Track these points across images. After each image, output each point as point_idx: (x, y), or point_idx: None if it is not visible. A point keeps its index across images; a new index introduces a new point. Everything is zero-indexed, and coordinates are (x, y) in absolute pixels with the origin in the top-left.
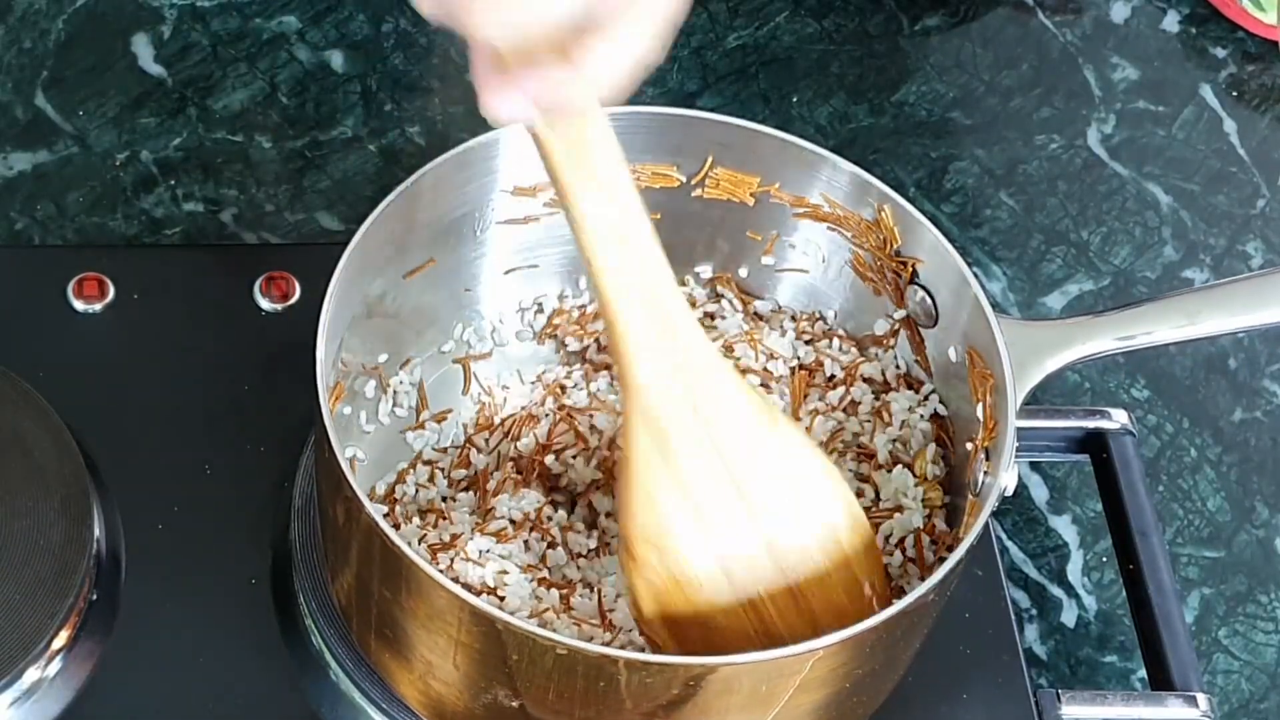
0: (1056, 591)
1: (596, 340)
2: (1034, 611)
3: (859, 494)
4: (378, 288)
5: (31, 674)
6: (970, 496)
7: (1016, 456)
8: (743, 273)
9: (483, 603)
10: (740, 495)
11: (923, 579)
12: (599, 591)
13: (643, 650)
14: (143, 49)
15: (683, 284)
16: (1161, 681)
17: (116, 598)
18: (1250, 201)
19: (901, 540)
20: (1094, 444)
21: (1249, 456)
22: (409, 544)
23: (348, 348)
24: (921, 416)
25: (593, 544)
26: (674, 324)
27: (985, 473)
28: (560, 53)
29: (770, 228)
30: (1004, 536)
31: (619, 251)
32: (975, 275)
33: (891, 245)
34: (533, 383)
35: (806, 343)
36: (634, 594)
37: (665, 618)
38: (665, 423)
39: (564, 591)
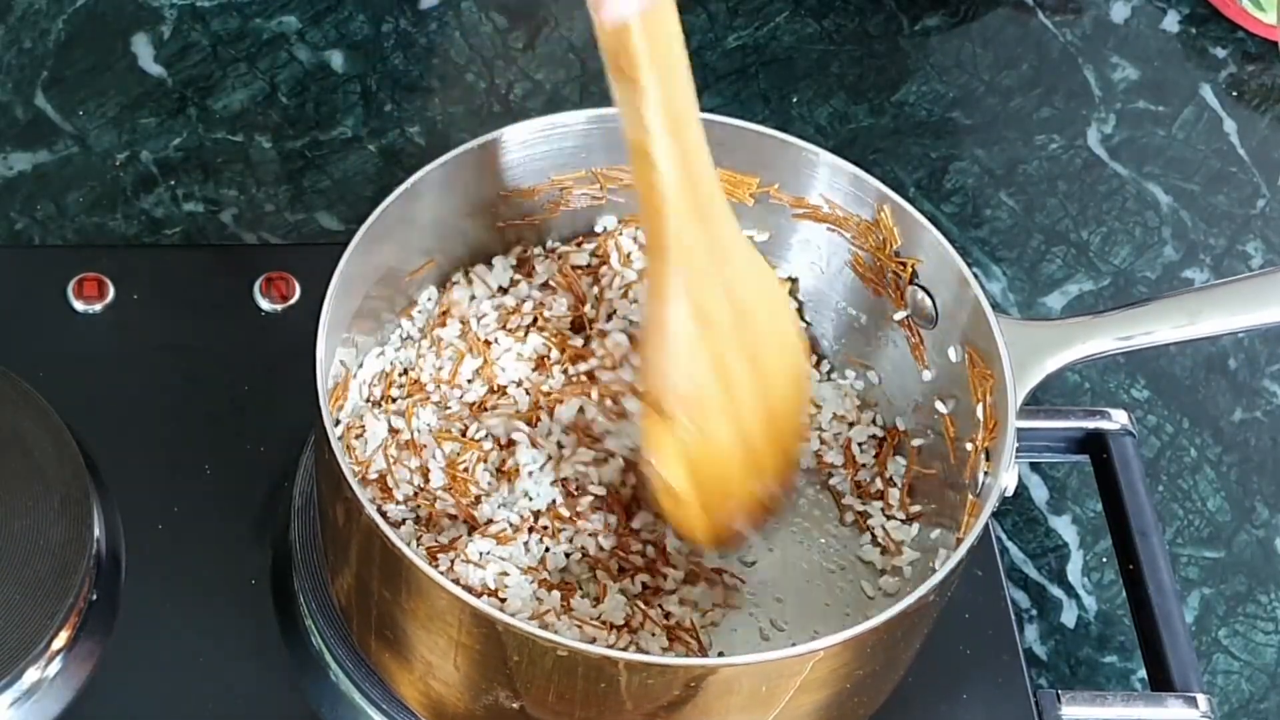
0: (1056, 591)
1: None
2: (1034, 611)
3: None
4: (378, 288)
5: (31, 674)
6: (970, 497)
7: (1017, 457)
8: None
9: (483, 604)
10: (741, 341)
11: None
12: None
13: (644, 650)
14: (143, 49)
15: None
16: (1161, 682)
17: (116, 598)
18: (1250, 201)
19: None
20: (1094, 444)
21: (1249, 456)
22: (409, 545)
23: (347, 347)
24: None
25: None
26: (704, 192)
27: (985, 473)
28: None
29: (770, 228)
30: (1004, 537)
31: (670, 138)
32: (975, 275)
33: (891, 245)
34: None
35: None
36: (662, 455)
37: (689, 474)
38: (696, 289)
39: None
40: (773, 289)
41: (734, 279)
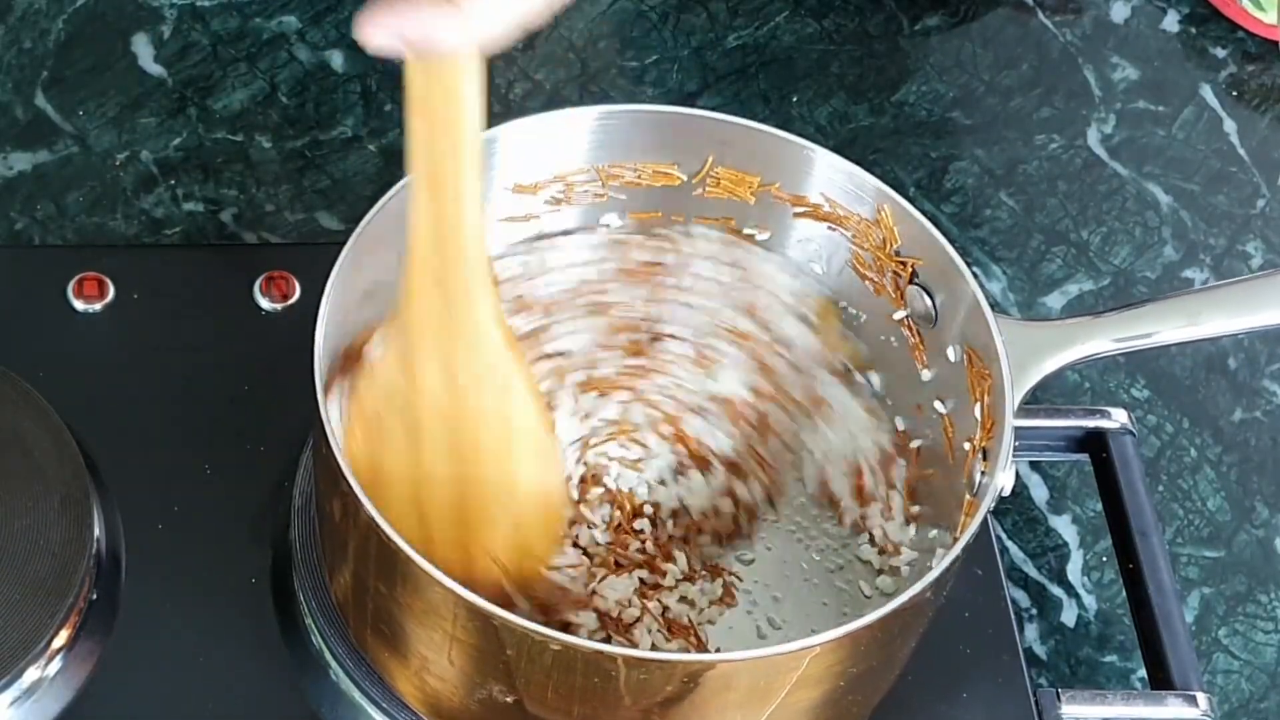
0: (1056, 591)
1: None
2: (1034, 611)
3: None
4: (377, 287)
5: (31, 674)
6: (968, 496)
7: (1016, 456)
8: None
9: (478, 598)
10: (447, 422)
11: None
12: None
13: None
14: (143, 49)
15: None
16: (1161, 681)
17: (116, 598)
18: (1250, 201)
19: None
20: (1094, 444)
21: (1249, 456)
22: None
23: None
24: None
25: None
26: (454, 267)
27: (982, 473)
28: None
29: (770, 227)
30: (1004, 536)
31: (427, 192)
32: (975, 275)
33: (891, 245)
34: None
35: None
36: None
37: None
38: (414, 349)
39: None
40: (515, 405)
41: (463, 363)
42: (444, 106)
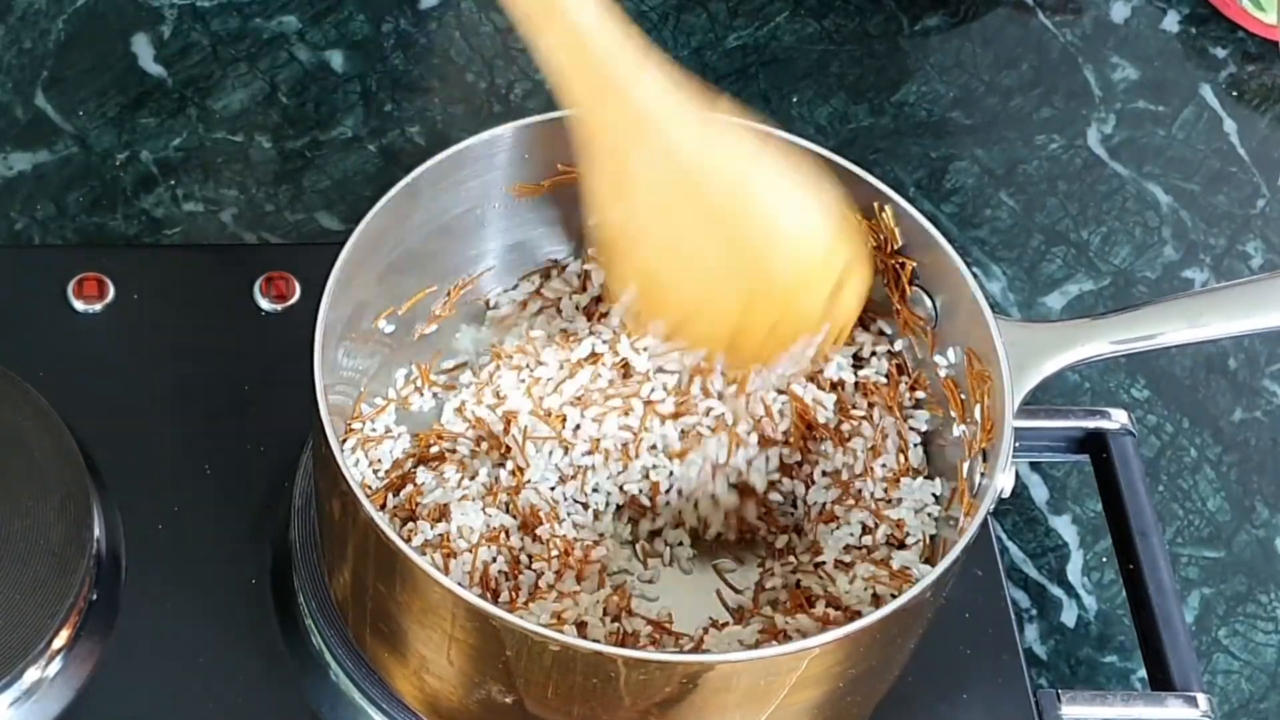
0: (1056, 591)
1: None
2: (1034, 611)
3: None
4: (376, 288)
5: (31, 674)
6: (968, 497)
7: (1016, 456)
8: None
9: (476, 598)
10: (692, 204)
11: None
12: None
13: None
14: (143, 49)
15: None
16: (1161, 681)
17: (116, 598)
18: (1250, 201)
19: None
20: (1094, 444)
21: (1249, 456)
22: (403, 538)
23: (350, 355)
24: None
25: None
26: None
27: (982, 474)
28: None
29: None
30: (1004, 536)
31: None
32: (975, 275)
33: (891, 245)
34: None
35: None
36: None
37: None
38: (618, 159)
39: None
40: (738, 162)
41: (674, 148)
42: None
